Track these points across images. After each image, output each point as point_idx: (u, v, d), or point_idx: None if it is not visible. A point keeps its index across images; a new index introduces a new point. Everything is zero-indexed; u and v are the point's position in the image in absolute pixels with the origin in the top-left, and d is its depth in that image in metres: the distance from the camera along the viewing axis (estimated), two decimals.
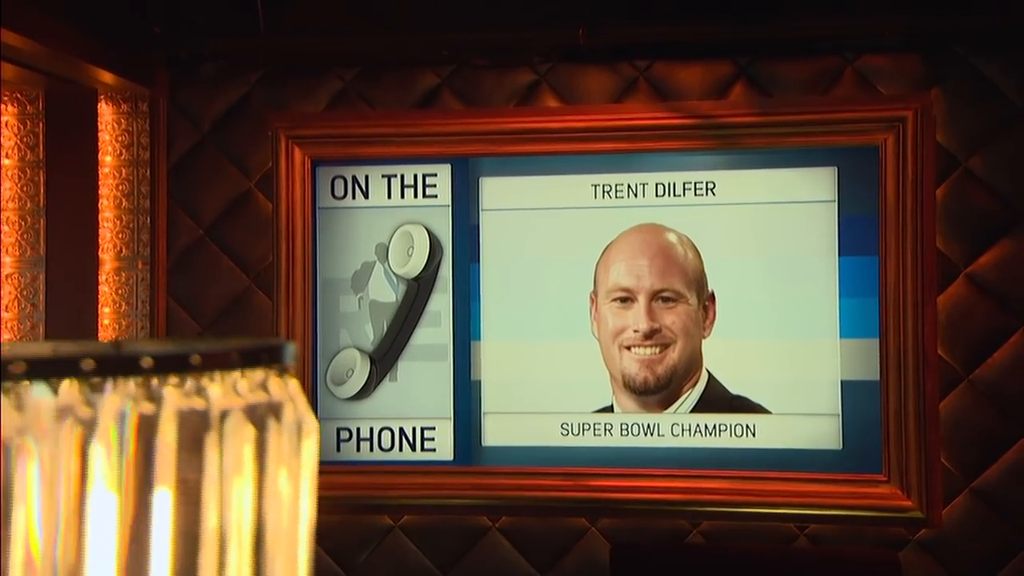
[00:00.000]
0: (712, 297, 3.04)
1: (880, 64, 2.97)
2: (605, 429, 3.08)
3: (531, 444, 3.09)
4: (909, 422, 2.89)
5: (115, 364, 0.64)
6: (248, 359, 0.72)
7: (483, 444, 3.11)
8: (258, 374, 0.72)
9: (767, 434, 3.01)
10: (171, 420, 0.65)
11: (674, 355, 3.05)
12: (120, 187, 3.12)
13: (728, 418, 3.03)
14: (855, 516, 2.94)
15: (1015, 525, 2.89)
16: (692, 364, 3.05)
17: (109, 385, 0.65)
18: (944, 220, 2.92)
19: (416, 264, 3.14)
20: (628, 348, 3.06)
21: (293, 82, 3.18)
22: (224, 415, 0.68)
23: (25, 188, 3.01)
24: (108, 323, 3.10)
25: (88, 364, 0.62)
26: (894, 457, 2.91)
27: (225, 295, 3.19)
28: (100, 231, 3.10)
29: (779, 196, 3.01)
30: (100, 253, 3.10)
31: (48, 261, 3.00)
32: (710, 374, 3.05)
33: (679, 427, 3.05)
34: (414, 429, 3.14)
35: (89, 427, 0.62)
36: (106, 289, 3.10)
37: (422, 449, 3.13)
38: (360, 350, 3.16)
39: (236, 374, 0.71)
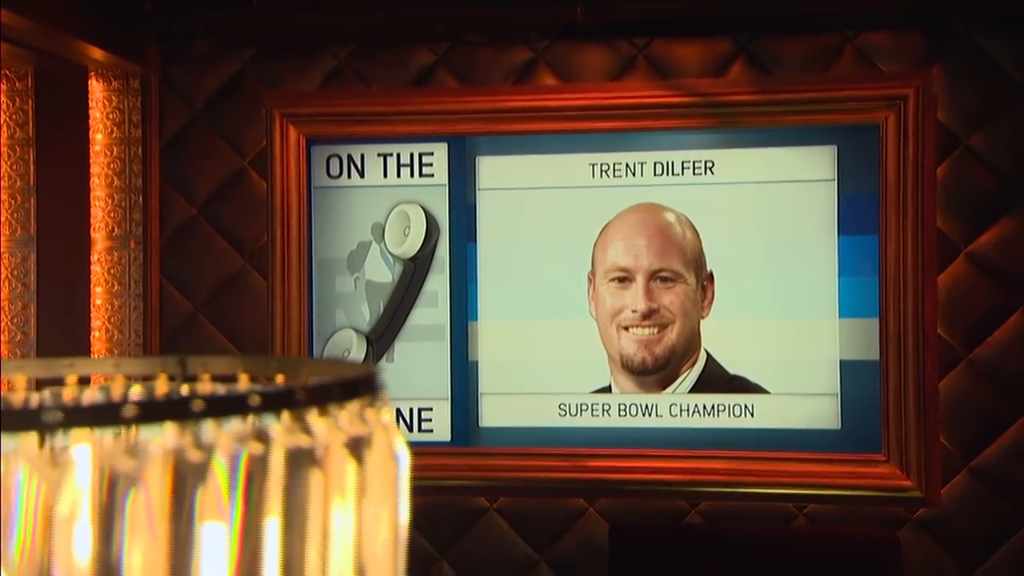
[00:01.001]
0: (711, 277, 3.02)
1: (880, 41, 2.94)
2: (603, 410, 3.06)
3: (529, 425, 3.07)
4: (909, 402, 2.89)
5: (223, 404, 0.65)
6: (348, 391, 0.73)
7: (480, 425, 3.09)
8: (356, 405, 0.73)
9: (766, 414, 3.00)
10: (279, 457, 0.66)
11: (672, 335, 3.03)
12: (111, 165, 3.07)
13: (727, 398, 3.01)
14: (854, 496, 2.93)
15: (1014, 504, 2.89)
16: (690, 344, 3.04)
17: (216, 425, 0.66)
18: (944, 199, 2.90)
19: (413, 244, 3.11)
20: (626, 328, 3.04)
21: (287, 59, 3.13)
22: (326, 448, 0.69)
23: (15, 166, 2.95)
24: (100, 303, 3.06)
25: (198, 405, 0.63)
26: (893, 437, 2.90)
27: (219, 275, 3.15)
28: (91, 210, 3.06)
29: (778, 175, 2.99)
30: (92, 232, 3.06)
31: (39, 240, 2.95)
32: (708, 354, 3.03)
33: (677, 407, 3.04)
34: (411, 410, 3.12)
35: (199, 469, 0.64)
36: (98, 269, 3.06)
37: (419, 430, 3.11)
38: (356, 331, 3.13)
39: (336, 407, 0.72)
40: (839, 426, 2.96)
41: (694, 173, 3.03)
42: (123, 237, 3.08)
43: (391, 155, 3.12)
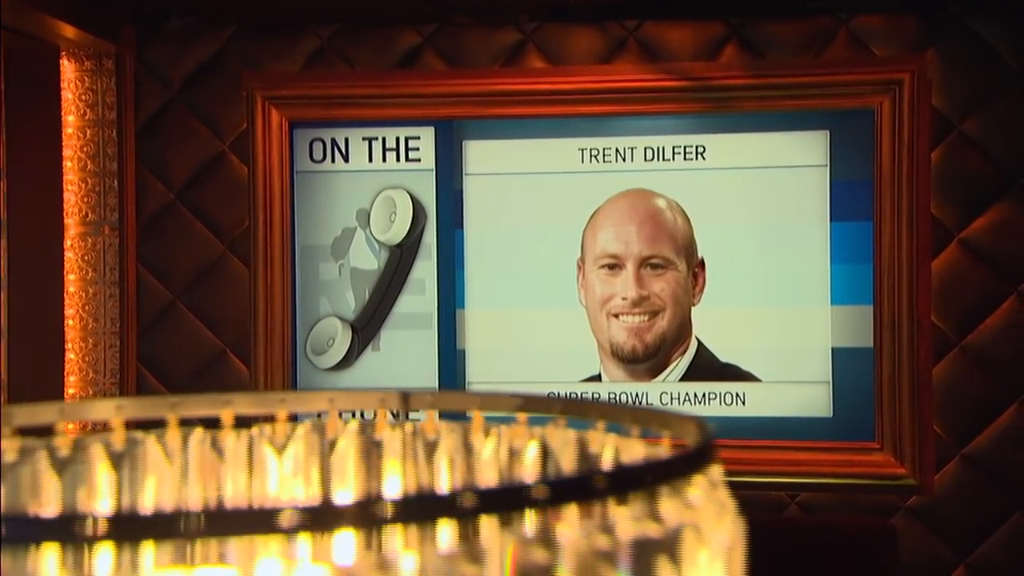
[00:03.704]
0: (702, 264, 2.98)
1: (874, 25, 2.91)
2: (593, 399, 3.01)
3: None
4: (902, 389, 2.87)
5: (623, 482, 0.62)
6: (706, 457, 0.69)
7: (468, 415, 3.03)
8: (713, 469, 0.69)
9: (757, 402, 2.97)
10: (671, 533, 0.64)
11: (663, 323, 2.99)
12: (85, 148, 2.96)
13: (718, 386, 2.98)
14: (847, 484, 2.91)
15: (1006, 491, 2.88)
16: (681, 332, 2.99)
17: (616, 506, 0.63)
18: (937, 184, 2.88)
19: (399, 230, 3.04)
20: (616, 316, 2.99)
21: (268, 39, 3.04)
22: (704, 517, 0.66)
23: None
24: (74, 291, 2.95)
25: (540, 492, 0.58)
26: (887, 424, 2.88)
27: (198, 262, 3.05)
28: (64, 195, 2.95)
29: (770, 160, 2.96)
30: (65, 218, 2.95)
31: (10, 226, 2.84)
32: (700, 342, 2.99)
33: (668, 396, 3.00)
34: None
35: (608, 557, 0.60)
36: (71, 255, 2.95)
37: (407, 420, 3.03)
38: (341, 319, 3.05)
39: (701, 475, 0.68)
40: (831, 414, 2.93)
41: (685, 158, 2.99)
42: (97, 223, 2.98)
43: (376, 139, 3.04)
